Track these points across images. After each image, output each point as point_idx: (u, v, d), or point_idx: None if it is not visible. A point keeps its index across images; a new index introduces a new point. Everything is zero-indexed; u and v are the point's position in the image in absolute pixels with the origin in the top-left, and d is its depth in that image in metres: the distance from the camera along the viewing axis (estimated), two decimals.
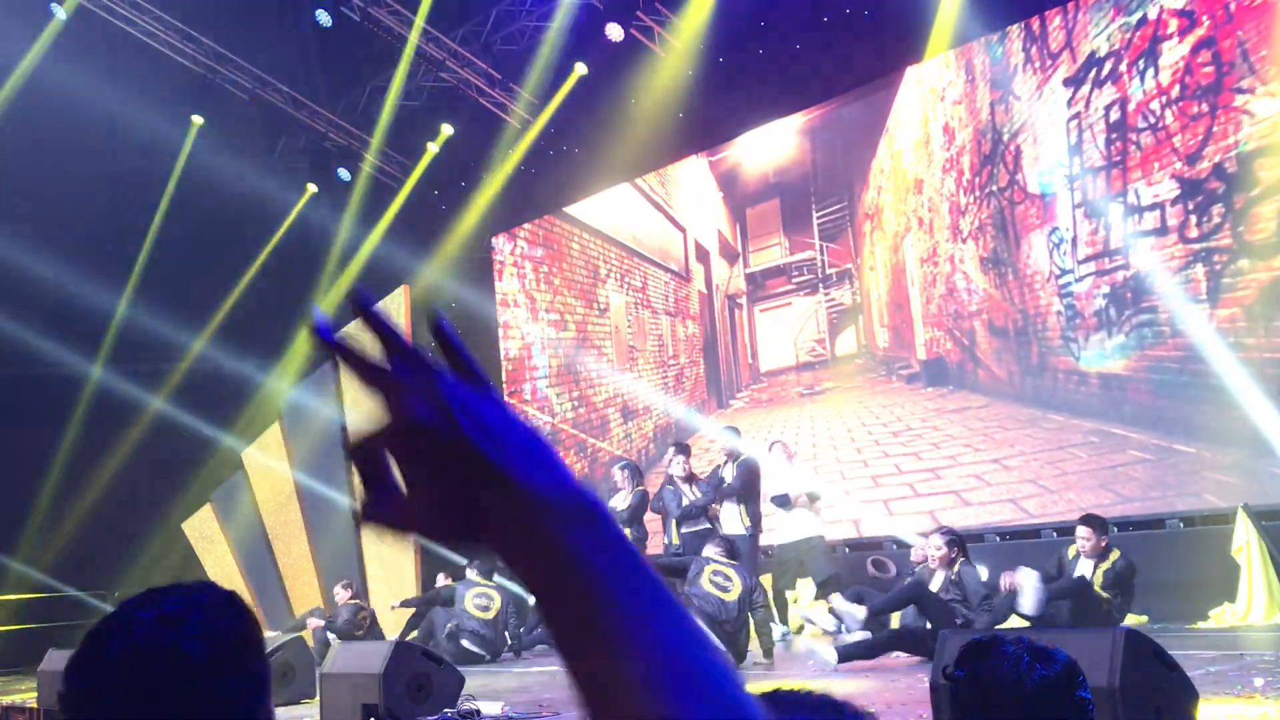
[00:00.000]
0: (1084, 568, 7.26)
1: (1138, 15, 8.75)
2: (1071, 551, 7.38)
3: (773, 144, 11.63)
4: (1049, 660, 1.77)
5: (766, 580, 9.09)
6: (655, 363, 12.73)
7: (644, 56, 11.91)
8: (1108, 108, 8.93)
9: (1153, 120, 8.62)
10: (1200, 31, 8.31)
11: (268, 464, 13.79)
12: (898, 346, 10.72)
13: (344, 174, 14.15)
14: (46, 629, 11.93)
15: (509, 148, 13.23)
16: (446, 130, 13.59)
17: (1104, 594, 7.11)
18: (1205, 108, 8.26)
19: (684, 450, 9.19)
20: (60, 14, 12.20)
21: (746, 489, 8.89)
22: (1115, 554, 7.23)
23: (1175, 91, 8.46)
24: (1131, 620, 7.45)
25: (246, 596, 1.32)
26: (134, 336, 13.38)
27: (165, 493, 13.61)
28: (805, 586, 9.55)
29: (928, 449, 10.08)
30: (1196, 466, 8.22)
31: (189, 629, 1.12)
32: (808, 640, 8.89)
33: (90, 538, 13.21)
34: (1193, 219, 8.33)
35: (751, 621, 7.48)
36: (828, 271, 11.29)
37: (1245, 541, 7.50)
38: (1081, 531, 7.27)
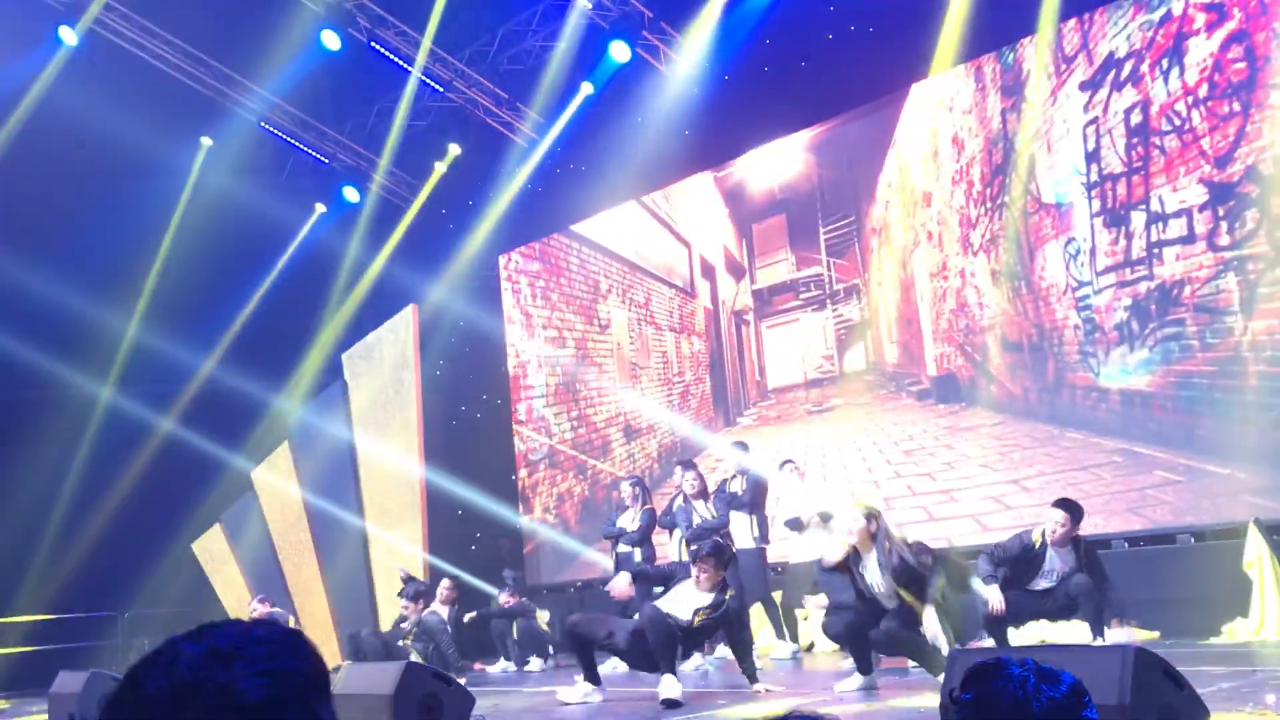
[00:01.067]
0: (1050, 559, 6.31)
1: (1161, 11, 7.84)
2: (1037, 537, 6.37)
3: (779, 159, 10.89)
4: (1055, 682, 1.62)
5: (776, 596, 8.55)
6: (660, 380, 11.92)
7: (650, 75, 11.32)
8: (1128, 111, 8.03)
9: (1178, 122, 7.69)
10: (1231, 25, 7.40)
11: (277, 484, 13.03)
12: (907, 362, 9.91)
13: (352, 194, 13.52)
14: (57, 650, 11.27)
15: (516, 167, 12.60)
16: (454, 150, 12.98)
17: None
18: (1237, 106, 7.34)
19: (691, 467, 8.72)
20: (70, 38, 11.60)
21: (755, 501, 8.42)
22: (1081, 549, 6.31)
23: (1203, 91, 7.54)
24: (1143, 636, 6.88)
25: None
26: (144, 358, 12.91)
27: (175, 513, 12.94)
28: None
29: (941, 469, 9.20)
30: (1232, 489, 7.29)
31: (244, 665, 0.95)
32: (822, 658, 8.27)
33: (100, 559, 12.53)
34: (1223, 225, 7.40)
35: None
36: (835, 287, 10.51)
37: (1257, 555, 6.91)
38: (1057, 516, 6.24)
